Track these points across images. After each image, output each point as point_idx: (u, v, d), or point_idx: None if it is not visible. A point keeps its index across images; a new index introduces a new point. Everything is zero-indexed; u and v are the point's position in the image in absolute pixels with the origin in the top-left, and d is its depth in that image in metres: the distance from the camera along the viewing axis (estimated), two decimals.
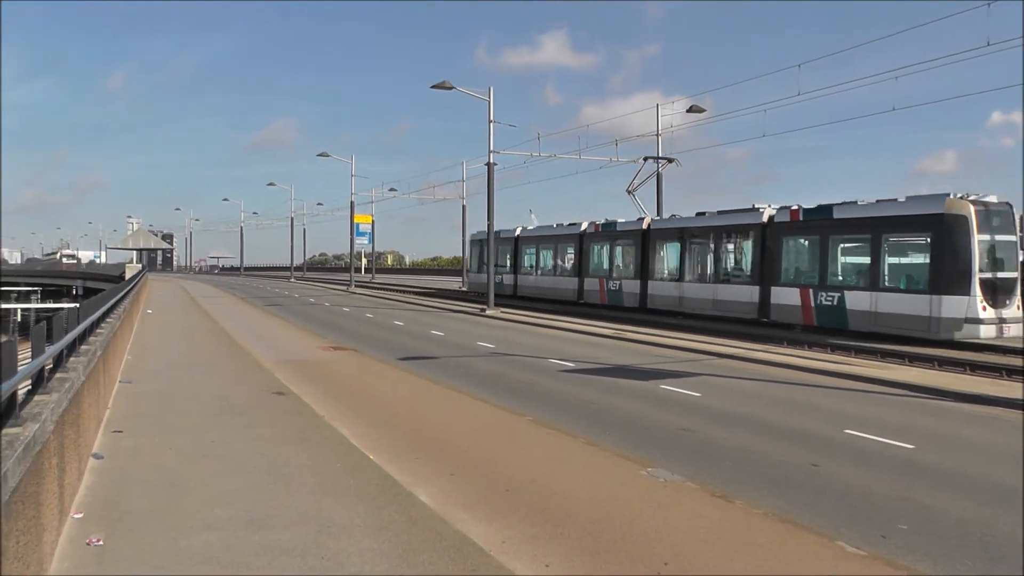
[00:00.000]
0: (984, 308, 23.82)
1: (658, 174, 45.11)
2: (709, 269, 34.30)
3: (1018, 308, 24.62)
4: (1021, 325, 24.53)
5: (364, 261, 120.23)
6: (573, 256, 44.62)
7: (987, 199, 24.87)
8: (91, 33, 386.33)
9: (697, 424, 14.55)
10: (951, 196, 24.62)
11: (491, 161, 43.07)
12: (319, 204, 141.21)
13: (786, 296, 29.54)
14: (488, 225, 44.33)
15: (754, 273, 31.39)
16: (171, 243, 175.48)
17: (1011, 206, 25.55)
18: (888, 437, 13.09)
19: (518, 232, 50.86)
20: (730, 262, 33.64)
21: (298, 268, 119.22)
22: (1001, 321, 24.13)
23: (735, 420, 14.94)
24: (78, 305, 13.46)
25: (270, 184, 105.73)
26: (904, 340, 24.73)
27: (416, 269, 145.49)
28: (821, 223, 28.51)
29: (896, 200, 26.32)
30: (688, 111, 43.17)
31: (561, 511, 9.48)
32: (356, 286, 70.37)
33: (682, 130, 47.14)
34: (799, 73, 34.50)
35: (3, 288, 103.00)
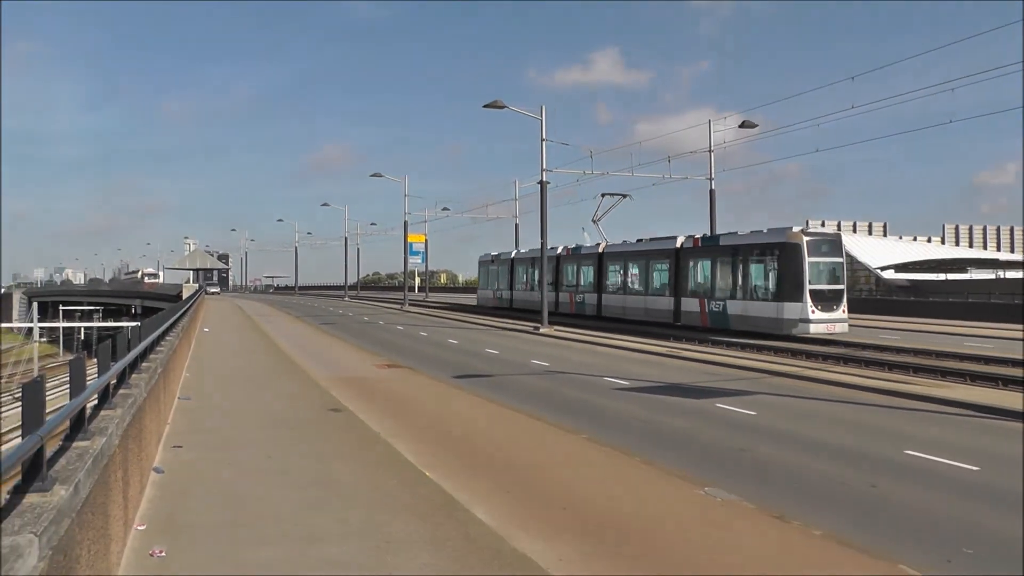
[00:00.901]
0: (813, 311, 31.62)
1: (711, 193, 45.01)
2: (642, 284, 43.31)
3: (843, 312, 32.48)
4: (847, 324, 32.57)
5: (417, 280, 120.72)
6: (551, 274, 51.46)
7: (821, 231, 34.87)
8: (151, 64, 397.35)
9: (753, 443, 14.40)
10: (792, 229, 33.35)
11: (544, 180, 43.01)
12: (372, 224, 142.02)
13: (691, 305, 38.38)
14: (541, 244, 44.38)
15: (670, 287, 40.22)
16: (227, 263, 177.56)
17: (840, 236, 35.07)
18: (950, 458, 12.78)
19: (513, 255, 59.93)
20: (656, 279, 42.05)
21: (352, 287, 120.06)
22: (828, 321, 31.85)
23: (791, 439, 14.77)
24: (138, 324, 13.69)
25: (324, 204, 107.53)
26: (765, 336, 32.39)
27: (469, 288, 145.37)
28: (712, 248, 37.62)
29: (762, 231, 34.73)
30: (740, 126, 42.81)
31: (617, 529, 9.43)
32: (410, 304, 70.64)
33: (735, 146, 47.30)
34: (852, 85, 34.00)
35: (68, 307, 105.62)
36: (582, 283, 49.43)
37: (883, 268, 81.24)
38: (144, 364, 12.20)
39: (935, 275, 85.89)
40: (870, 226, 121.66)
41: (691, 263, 38.90)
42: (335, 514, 9.01)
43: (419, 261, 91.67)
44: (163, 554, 7.61)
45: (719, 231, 42.27)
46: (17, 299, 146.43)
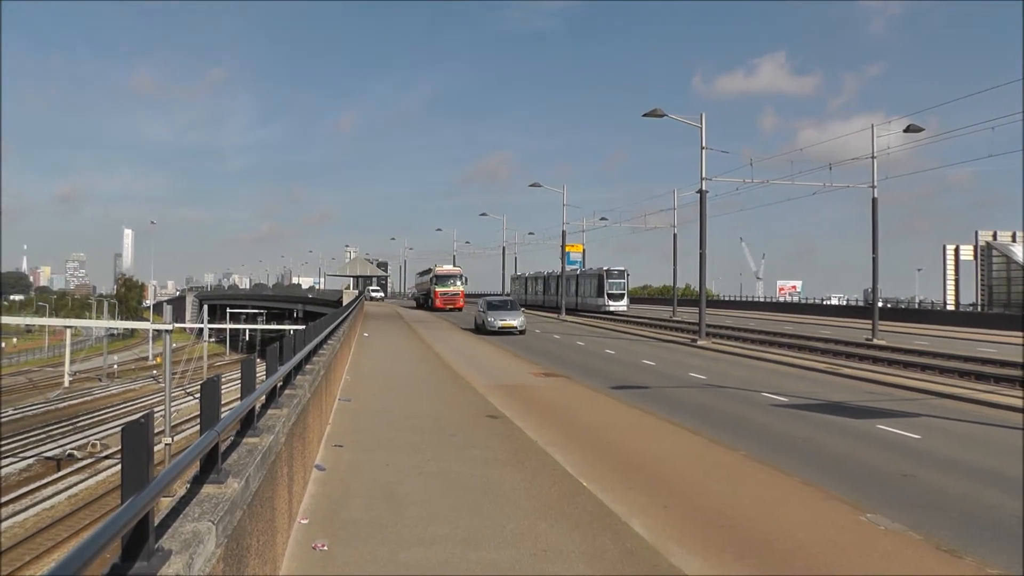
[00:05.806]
0: (609, 302, 74.38)
1: (873, 201, 43.43)
2: (572, 291, 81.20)
3: (625, 302, 75.79)
4: (626, 307, 74.62)
5: None
6: (542, 286, 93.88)
7: (615, 267, 76.34)
8: (317, 80, 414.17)
9: (918, 469, 13.69)
10: (604, 268, 76.74)
11: (703, 189, 42.12)
12: (530, 233, 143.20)
13: (575, 299, 79.70)
14: (700, 255, 43.45)
15: (578, 293, 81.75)
16: (386, 271, 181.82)
17: (624, 269, 77.00)
18: None
19: (527, 275, 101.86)
20: (572, 289, 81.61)
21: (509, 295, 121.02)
22: (617, 305, 74.10)
23: (961, 467, 13.97)
24: (300, 327, 14.13)
25: (482, 214, 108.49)
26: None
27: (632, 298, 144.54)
28: (582, 274, 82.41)
29: (604, 268, 76.88)
30: (905, 131, 40.28)
31: (778, 552, 9.12)
32: (567, 314, 70.66)
33: (901, 151, 45.08)
34: None
35: (235, 310, 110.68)
36: (544, 290, 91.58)
37: None
38: (308, 366, 12.58)
39: None
40: None
41: (580, 279, 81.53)
42: (493, 519, 9.03)
43: (576, 271, 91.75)
44: (325, 548, 7.79)
45: (881, 242, 44.24)
46: (190, 301, 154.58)
